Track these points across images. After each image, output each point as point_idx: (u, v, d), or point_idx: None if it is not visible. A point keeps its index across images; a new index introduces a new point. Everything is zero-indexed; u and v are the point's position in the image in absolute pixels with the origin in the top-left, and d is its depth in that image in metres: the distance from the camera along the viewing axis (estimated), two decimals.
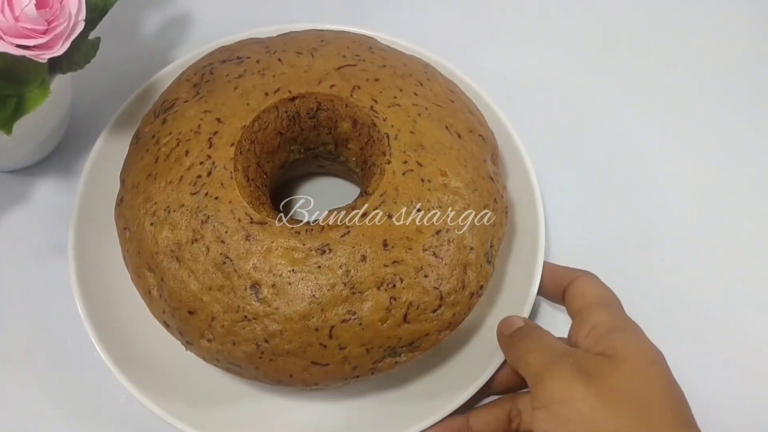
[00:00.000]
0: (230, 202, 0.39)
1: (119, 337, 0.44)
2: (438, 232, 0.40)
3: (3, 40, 0.38)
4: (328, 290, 0.38)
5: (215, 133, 0.41)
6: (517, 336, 0.40)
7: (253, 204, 0.40)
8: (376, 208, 0.39)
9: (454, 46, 0.56)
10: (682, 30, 0.59)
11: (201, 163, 0.40)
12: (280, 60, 0.44)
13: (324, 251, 0.38)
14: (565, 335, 0.41)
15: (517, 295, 0.45)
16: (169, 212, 0.40)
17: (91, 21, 0.43)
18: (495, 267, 0.42)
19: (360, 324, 0.38)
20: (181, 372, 0.44)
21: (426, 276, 0.39)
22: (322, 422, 0.43)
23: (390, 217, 0.39)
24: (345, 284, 0.38)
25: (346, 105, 0.43)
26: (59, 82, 0.43)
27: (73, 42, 0.40)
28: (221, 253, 0.38)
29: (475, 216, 0.41)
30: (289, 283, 0.38)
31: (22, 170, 0.50)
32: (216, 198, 0.39)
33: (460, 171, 0.42)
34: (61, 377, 0.45)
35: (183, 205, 0.40)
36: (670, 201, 0.53)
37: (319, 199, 0.49)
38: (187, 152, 0.41)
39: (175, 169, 0.40)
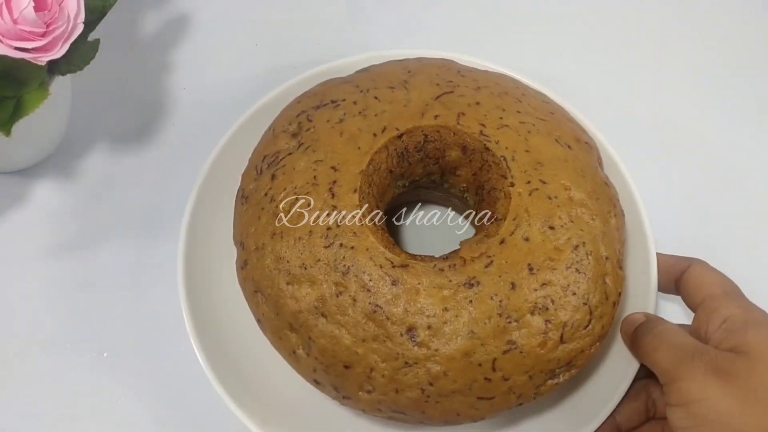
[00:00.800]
0: (367, 249, 0.39)
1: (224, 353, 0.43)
2: (576, 247, 0.39)
3: (2, 42, 0.38)
4: (485, 324, 0.38)
5: (334, 182, 0.40)
6: (641, 332, 0.40)
7: (387, 247, 0.39)
8: (512, 233, 0.39)
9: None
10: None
11: (327, 214, 0.40)
12: (376, 98, 0.43)
13: (472, 285, 0.38)
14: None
15: (638, 294, 0.45)
16: (305, 269, 0.39)
17: (90, 23, 0.43)
18: (624, 271, 0.42)
19: (521, 352, 0.38)
20: (286, 391, 0.43)
21: (574, 293, 0.39)
22: None
23: (527, 239, 0.39)
24: (500, 315, 0.38)
25: (454, 134, 0.42)
26: (58, 83, 0.43)
27: (72, 44, 0.40)
28: (370, 303, 0.38)
29: (603, 224, 0.41)
30: (444, 322, 0.38)
31: (22, 172, 0.50)
32: (352, 247, 0.39)
33: (580, 182, 0.41)
34: (58, 378, 0.45)
35: (319, 260, 0.39)
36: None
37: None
38: (309, 205, 0.40)
39: (301, 224, 0.40)
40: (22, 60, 0.39)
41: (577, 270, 0.39)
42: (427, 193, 0.47)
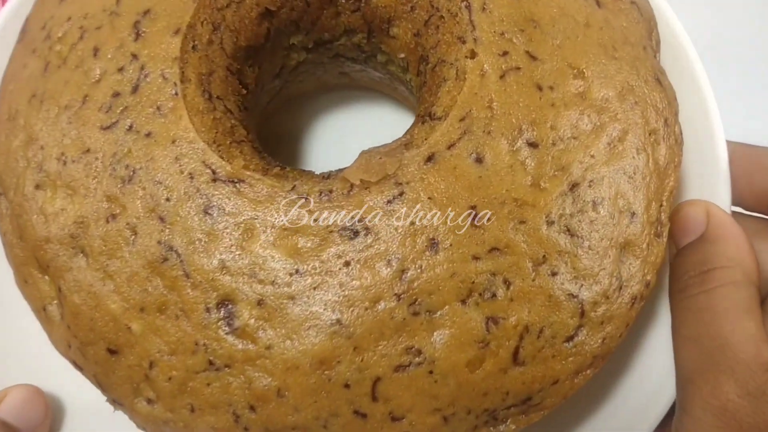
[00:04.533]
0: (173, 141, 0.21)
1: None
2: (573, 186, 0.21)
3: None
4: (366, 309, 0.19)
5: (146, 12, 0.22)
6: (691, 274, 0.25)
7: (219, 143, 0.21)
8: (452, 145, 0.20)
9: None
10: None
11: (120, 69, 0.22)
12: None
13: (356, 232, 0.20)
14: None
15: None
16: (64, 163, 0.21)
17: None
18: (666, 241, 0.23)
19: (430, 372, 0.20)
20: None
21: (554, 274, 0.20)
22: None
23: (479, 160, 0.20)
24: (398, 296, 0.19)
25: None
26: None
27: None
28: (161, 241, 0.20)
29: (637, 152, 0.22)
30: (291, 297, 0.20)
31: None
32: (147, 134, 0.21)
33: (608, 68, 0.22)
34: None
35: (89, 150, 0.21)
36: None
37: (344, 133, 0.30)
38: (96, 50, 0.22)
39: (74, 82, 0.22)
40: None
41: (567, 229, 0.20)
42: (360, 72, 0.29)
